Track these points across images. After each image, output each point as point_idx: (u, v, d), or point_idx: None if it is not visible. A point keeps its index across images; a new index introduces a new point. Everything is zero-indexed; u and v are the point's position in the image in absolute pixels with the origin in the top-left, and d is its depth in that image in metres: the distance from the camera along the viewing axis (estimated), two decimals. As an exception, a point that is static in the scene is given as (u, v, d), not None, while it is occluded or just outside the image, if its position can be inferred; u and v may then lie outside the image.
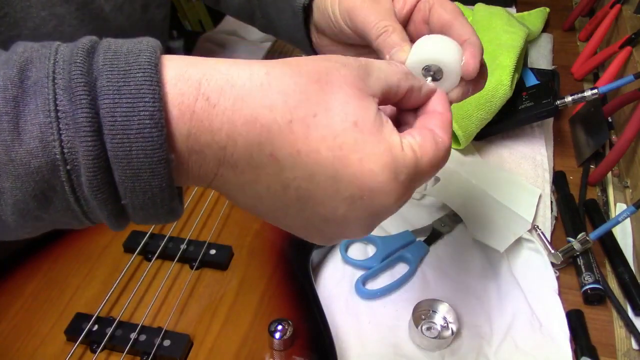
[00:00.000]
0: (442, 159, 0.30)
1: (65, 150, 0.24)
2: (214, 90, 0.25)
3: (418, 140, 0.29)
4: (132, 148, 0.24)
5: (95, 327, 0.43)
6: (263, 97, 0.26)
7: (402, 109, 0.34)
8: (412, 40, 0.36)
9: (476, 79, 0.35)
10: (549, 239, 0.56)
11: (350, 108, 0.27)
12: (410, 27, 0.40)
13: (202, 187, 0.30)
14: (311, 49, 0.49)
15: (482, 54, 0.36)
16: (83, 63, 0.24)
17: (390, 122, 0.29)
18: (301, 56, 0.29)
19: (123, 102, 0.24)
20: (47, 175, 0.24)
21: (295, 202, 0.28)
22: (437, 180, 0.61)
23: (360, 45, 0.41)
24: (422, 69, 0.34)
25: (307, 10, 0.46)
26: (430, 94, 0.33)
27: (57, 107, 0.24)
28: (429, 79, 0.34)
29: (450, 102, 0.34)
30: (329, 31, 0.44)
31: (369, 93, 0.28)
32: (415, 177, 0.29)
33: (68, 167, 0.24)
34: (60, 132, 0.24)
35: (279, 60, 0.28)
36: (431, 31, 0.38)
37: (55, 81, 0.24)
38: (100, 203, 0.26)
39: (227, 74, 0.26)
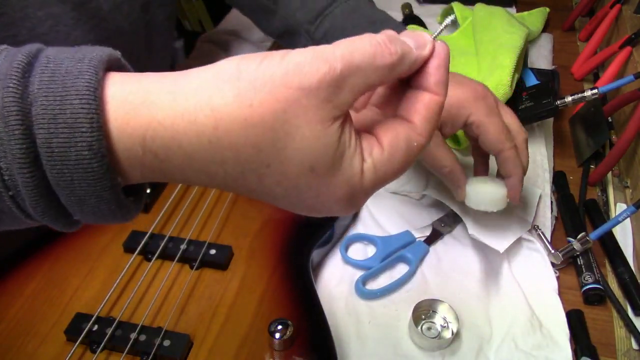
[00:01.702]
0: (412, 158, 0.28)
1: (6, 178, 0.23)
2: (160, 148, 0.25)
3: (385, 156, 0.27)
4: (73, 178, 0.23)
5: (95, 327, 0.43)
6: (213, 154, 0.25)
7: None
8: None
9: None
10: (549, 239, 0.56)
11: (307, 152, 0.25)
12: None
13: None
14: None
15: (522, 182, 0.49)
16: (16, 87, 0.23)
17: (352, 144, 0.27)
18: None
19: (59, 131, 0.23)
20: None
21: (250, 195, 0.28)
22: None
23: None
24: None
25: None
26: (423, 59, 0.28)
27: None
28: None
29: None
30: None
31: (336, 114, 0.26)
32: (375, 187, 0.28)
33: (11, 192, 0.24)
34: None
35: (233, 93, 0.24)
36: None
37: None
38: (49, 222, 0.25)
39: (172, 129, 0.24)
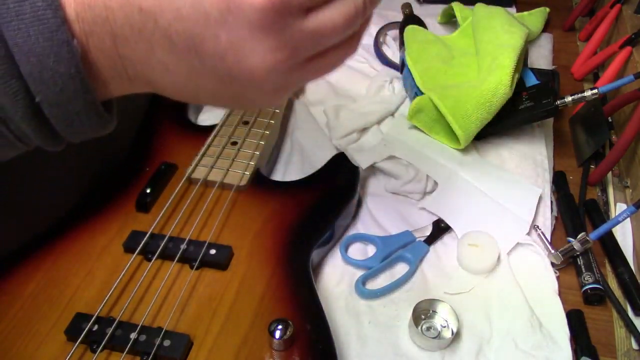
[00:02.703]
0: None
1: None
2: None
3: None
4: (30, 33, 0.24)
5: (95, 327, 0.43)
6: None
7: None
8: None
9: None
10: (549, 239, 0.56)
11: None
12: None
13: (129, 88, 0.30)
14: None
15: None
16: None
17: None
18: None
19: None
20: None
21: (188, 54, 0.27)
22: (435, 185, 0.61)
23: None
24: None
25: None
26: None
27: None
28: None
29: None
30: None
31: None
32: None
33: None
34: None
35: None
36: None
37: None
38: (10, 98, 0.25)
39: None
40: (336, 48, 0.29)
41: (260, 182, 0.57)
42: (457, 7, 0.84)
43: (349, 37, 0.29)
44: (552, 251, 0.54)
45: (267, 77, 0.27)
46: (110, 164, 0.59)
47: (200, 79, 0.28)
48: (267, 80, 0.28)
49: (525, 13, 0.89)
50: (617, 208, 0.62)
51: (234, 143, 0.60)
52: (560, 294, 0.52)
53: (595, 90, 0.62)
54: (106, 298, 0.45)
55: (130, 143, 0.62)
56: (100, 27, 0.26)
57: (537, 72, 0.71)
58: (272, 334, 0.42)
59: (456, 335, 0.48)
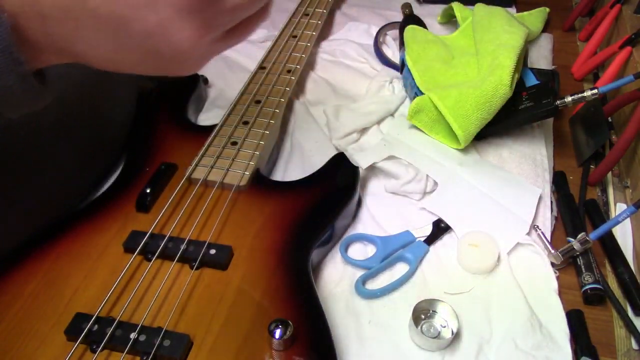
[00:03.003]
0: None
1: None
2: None
3: None
4: None
5: (95, 327, 0.43)
6: None
7: None
8: None
9: None
10: (549, 239, 0.56)
11: None
12: None
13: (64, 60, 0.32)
14: None
15: None
16: None
17: None
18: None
19: None
20: None
21: (115, 32, 0.29)
22: (435, 185, 0.61)
23: None
24: None
25: None
26: None
27: None
28: None
29: None
30: None
31: None
32: None
33: None
34: None
35: None
36: None
37: None
38: None
39: None
40: (250, 18, 0.33)
41: (260, 182, 0.57)
42: (457, 7, 0.84)
43: (261, 8, 0.33)
44: (552, 251, 0.54)
45: (192, 51, 0.30)
46: (108, 160, 0.59)
47: (126, 53, 0.31)
48: (192, 54, 0.31)
49: (525, 13, 0.89)
50: (617, 208, 0.62)
51: (234, 143, 0.60)
52: (560, 294, 0.52)
53: (595, 90, 0.62)
54: (106, 298, 0.45)
55: (128, 140, 0.62)
56: (30, 8, 0.28)
57: (537, 72, 0.71)
58: (272, 334, 0.42)
59: (456, 335, 0.47)
